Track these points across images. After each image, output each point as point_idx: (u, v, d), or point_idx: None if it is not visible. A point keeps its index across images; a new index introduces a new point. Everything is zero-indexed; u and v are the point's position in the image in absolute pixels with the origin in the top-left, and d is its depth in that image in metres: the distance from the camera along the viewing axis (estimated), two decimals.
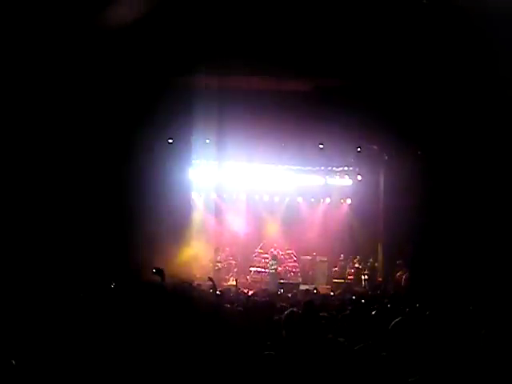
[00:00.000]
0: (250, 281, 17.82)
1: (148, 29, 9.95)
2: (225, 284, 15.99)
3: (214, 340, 4.05)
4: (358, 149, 16.33)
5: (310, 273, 18.53)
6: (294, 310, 4.54)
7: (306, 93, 12.89)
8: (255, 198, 19.50)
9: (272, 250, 18.55)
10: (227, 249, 18.73)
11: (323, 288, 15.80)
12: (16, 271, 7.96)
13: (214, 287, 7.11)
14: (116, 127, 12.71)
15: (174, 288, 4.94)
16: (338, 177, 18.78)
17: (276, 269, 17.66)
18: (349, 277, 17.99)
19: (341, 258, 18.55)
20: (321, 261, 18.42)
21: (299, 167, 18.42)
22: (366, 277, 17.50)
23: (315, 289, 12.79)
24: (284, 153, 17.30)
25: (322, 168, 18.52)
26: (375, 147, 16.66)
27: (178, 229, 15.76)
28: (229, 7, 9.47)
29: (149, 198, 13.77)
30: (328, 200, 19.48)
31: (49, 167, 11.41)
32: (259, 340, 4.45)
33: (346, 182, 18.78)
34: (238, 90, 12.51)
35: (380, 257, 17.72)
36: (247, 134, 15.13)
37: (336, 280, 17.67)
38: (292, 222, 18.97)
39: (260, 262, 18.61)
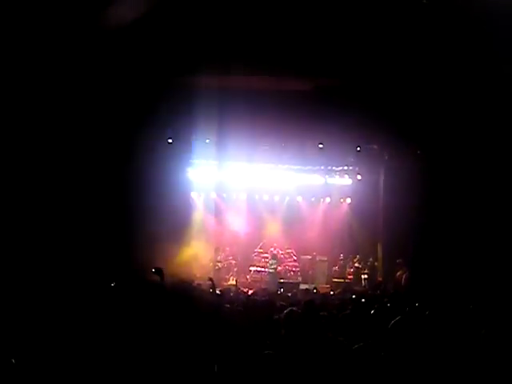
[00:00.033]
0: (249, 280, 17.84)
1: (148, 29, 9.96)
2: (225, 284, 16.01)
3: (214, 339, 4.06)
4: (358, 148, 16.34)
5: (310, 272, 18.55)
6: (294, 309, 4.56)
7: (306, 93, 12.89)
8: (255, 197, 19.51)
9: (272, 249, 18.56)
10: (227, 248, 18.75)
11: (323, 287, 15.81)
12: (18, 272, 7.97)
13: (214, 288, 7.12)
14: (117, 127, 12.72)
15: (173, 287, 4.95)
16: (337, 176, 18.77)
17: (276, 268, 17.68)
18: (349, 276, 18.00)
19: (341, 258, 18.56)
20: (321, 260, 18.43)
21: (299, 167, 18.41)
22: (366, 276, 17.50)
23: (315, 288, 12.81)
24: (284, 152, 17.31)
25: (322, 167, 18.51)
26: (375, 147, 16.66)
27: (179, 229, 15.78)
28: (229, 7, 9.48)
29: (150, 198, 13.77)
30: (328, 199, 19.48)
31: (50, 167, 11.43)
32: (259, 339, 4.46)
33: (346, 181, 18.77)
34: (238, 89, 12.51)
35: (380, 256, 17.72)
36: (247, 134, 15.13)
37: (336, 279, 17.68)
38: (292, 222, 18.97)
39: (260, 261, 18.62)
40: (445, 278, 11.57)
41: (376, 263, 17.74)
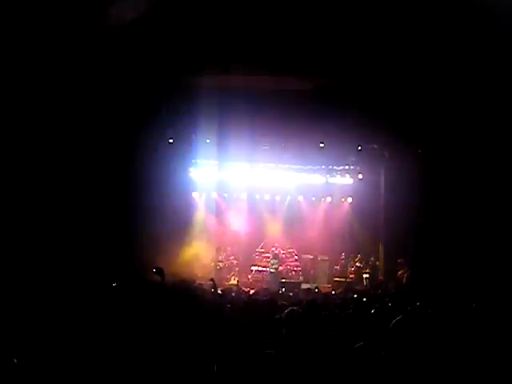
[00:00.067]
0: (251, 280, 17.85)
1: (149, 30, 9.96)
2: (226, 283, 16.02)
3: (216, 339, 4.07)
4: (359, 147, 16.35)
5: (312, 272, 18.56)
6: (294, 308, 4.56)
7: (306, 93, 12.90)
8: (256, 197, 19.53)
9: (273, 249, 18.57)
10: (228, 248, 18.76)
11: (324, 287, 15.83)
12: (20, 271, 7.98)
13: (215, 288, 7.12)
14: (118, 127, 12.73)
15: (174, 287, 4.95)
16: (338, 175, 18.78)
17: (277, 268, 17.68)
18: (350, 275, 18.00)
19: (342, 257, 18.57)
20: (322, 260, 18.45)
21: (300, 166, 18.43)
22: (367, 275, 17.50)
23: (316, 288, 12.83)
24: (285, 152, 17.33)
25: (323, 167, 18.53)
26: (376, 146, 16.67)
27: (180, 228, 15.80)
28: (229, 8, 9.48)
29: (151, 198, 13.80)
30: (329, 199, 19.49)
31: (52, 167, 11.44)
32: (260, 339, 4.47)
33: (347, 180, 18.78)
34: (238, 89, 12.52)
35: (381, 255, 17.73)
36: (248, 134, 15.14)
37: (337, 279, 17.69)
38: (293, 221, 18.99)
39: (261, 261, 18.62)
40: (446, 277, 11.57)
41: (377, 262, 17.75)
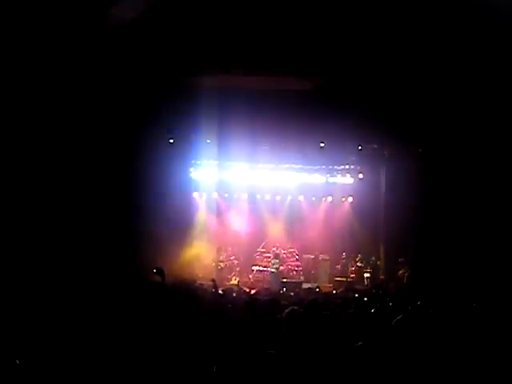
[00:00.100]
0: (252, 280, 17.84)
1: (149, 30, 9.97)
2: (227, 283, 16.01)
3: (217, 338, 4.08)
4: (359, 147, 16.35)
5: (313, 271, 18.55)
6: (295, 308, 4.57)
7: (307, 92, 12.90)
8: (257, 197, 19.53)
9: (274, 248, 18.55)
10: (229, 248, 18.76)
11: (325, 286, 15.82)
12: (21, 272, 8.00)
13: (216, 288, 7.13)
14: (118, 128, 12.74)
15: (175, 287, 4.96)
16: (339, 175, 18.77)
17: (278, 268, 17.66)
18: (351, 275, 17.99)
19: (343, 257, 18.57)
20: (323, 259, 18.44)
21: (300, 166, 18.43)
22: (368, 275, 17.49)
23: (317, 287, 12.85)
24: (285, 152, 17.33)
25: (323, 167, 18.53)
26: (376, 146, 16.68)
27: (181, 229, 15.81)
28: (229, 8, 9.49)
29: (151, 198, 13.80)
30: (329, 198, 19.48)
31: (53, 168, 11.45)
32: (261, 338, 4.47)
33: (348, 180, 18.77)
34: (238, 90, 12.53)
35: (382, 255, 17.73)
36: (248, 134, 15.14)
37: (338, 278, 17.67)
38: (294, 221, 18.99)
39: (262, 260, 18.60)
40: (446, 277, 11.58)
41: (378, 262, 17.75)
